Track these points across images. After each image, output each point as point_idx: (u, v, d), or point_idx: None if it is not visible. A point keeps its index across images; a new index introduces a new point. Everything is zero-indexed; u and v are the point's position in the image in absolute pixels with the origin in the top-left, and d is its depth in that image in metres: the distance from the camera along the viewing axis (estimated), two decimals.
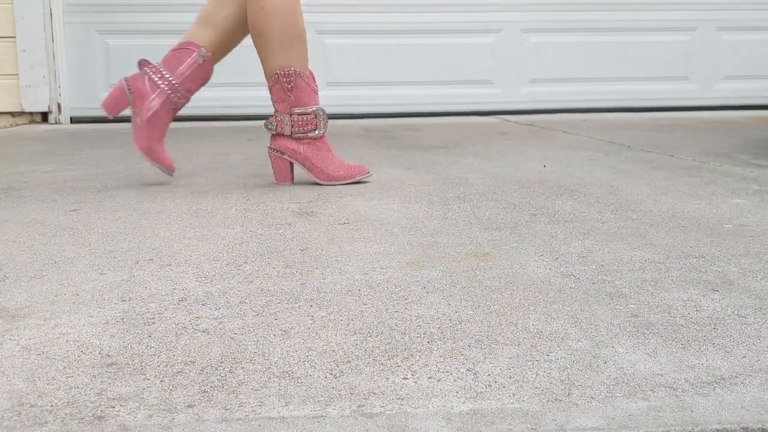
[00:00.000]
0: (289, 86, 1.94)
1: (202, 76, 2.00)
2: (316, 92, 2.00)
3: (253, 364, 0.86)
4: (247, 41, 2.05)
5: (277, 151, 2.00)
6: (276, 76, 1.96)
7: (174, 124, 3.72)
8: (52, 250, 1.37)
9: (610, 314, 1.02)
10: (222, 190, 1.95)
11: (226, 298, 1.09)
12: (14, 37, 3.75)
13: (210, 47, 1.99)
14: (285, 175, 2.03)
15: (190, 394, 0.78)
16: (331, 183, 1.99)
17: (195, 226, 1.55)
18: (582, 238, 1.42)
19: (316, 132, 1.97)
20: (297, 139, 1.98)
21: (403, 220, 1.58)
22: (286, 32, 1.95)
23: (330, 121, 2.02)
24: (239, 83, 3.96)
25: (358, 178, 2.01)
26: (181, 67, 1.97)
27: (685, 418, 0.73)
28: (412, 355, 0.88)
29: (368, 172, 2.04)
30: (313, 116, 1.97)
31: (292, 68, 1.94)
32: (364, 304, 1.06)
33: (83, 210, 1.71)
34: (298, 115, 1.96)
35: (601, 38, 4.32)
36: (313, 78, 2.00)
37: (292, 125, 1.96)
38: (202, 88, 2.04)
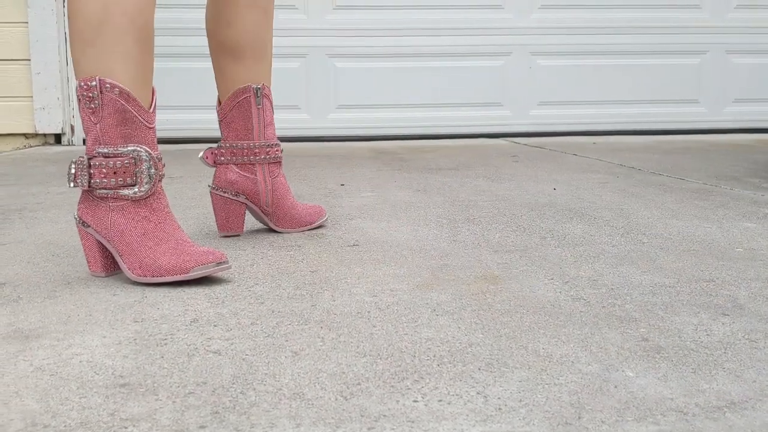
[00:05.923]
0: None
1: None
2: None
3: (264, 385, 0.86)
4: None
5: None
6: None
7: (181, 146, 3.77)
8: (65, 270, 1.38)
9: (620, 338, 1.02)
10: None
11: (237, 319, 1.10)
12: (29, 59, 3.80)
13: None
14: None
15: (202, 415, 0.79)
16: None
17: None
18: (592, 262, 1.43)
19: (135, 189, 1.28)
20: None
21: (412, 243, 1.59)
22: None
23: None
24: None
25: None
26: None
27: None
28: (422, 378, 0.88)
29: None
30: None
31: None
32: (374, 326, 1.06)
33: None
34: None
35: (610, 61, 4.34)
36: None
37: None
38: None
